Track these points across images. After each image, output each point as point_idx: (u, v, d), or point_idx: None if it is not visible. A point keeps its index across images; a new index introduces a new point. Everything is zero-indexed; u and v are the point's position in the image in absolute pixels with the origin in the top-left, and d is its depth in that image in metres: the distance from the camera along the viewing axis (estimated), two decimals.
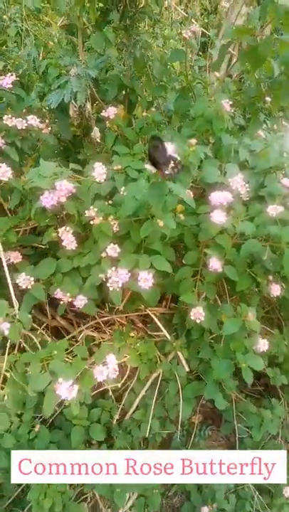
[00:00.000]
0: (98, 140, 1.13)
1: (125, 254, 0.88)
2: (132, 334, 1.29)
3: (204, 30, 1.95)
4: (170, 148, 0.78)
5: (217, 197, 0.85)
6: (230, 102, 1.02)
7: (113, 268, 0.84)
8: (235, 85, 1.41)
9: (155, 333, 1.37)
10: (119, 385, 1.37)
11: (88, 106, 1.04)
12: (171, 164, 0.76)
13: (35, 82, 1.12)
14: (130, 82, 1.25)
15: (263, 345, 0.89)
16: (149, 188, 0.70)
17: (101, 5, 1.10)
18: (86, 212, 0.86)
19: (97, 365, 0.84)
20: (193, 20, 1.12)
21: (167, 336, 1.30)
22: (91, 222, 0.85)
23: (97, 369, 0.83)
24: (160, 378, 1.35)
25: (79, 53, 1.13)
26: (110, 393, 1.37)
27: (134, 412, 1.36)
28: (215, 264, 0.86)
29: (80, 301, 0.89)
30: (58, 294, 0.90)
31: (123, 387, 1.41)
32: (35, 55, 1.07)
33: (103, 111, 1.15)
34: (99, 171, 0.87)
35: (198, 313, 0.88)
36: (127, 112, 1.35)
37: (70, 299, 0.90)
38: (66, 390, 0.70)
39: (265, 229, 0.88)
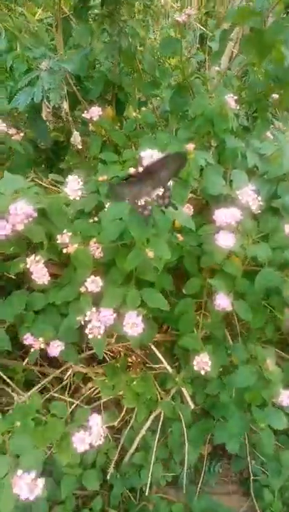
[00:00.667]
0: (79, 147, 0.95)
1: (110, 288, 0.71)
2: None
3: (202, 28, 1.78)
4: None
5: (223, 216, 0.68)
6: (235, 97, 0.84)
7: (93, 309, 0.66)
8: (238, 80, 1.24)
9: (154, 365, 1.20)
10: (115, 423, 1.21)
11: (65, 106, 0.87)
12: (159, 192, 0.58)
13: (4, 81, 0.96)
14: (117, 78, 1.08)
15: (287, 398, 0.70)
16: (130, 213, 0.52)
17: None
18: (58, 237, 0.68)
19: (76, 430, 0.66)
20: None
21: (168, 368, 1.12)
22: (64, 251, 0.67)
23: (76, 436, 0.65)
24: (162, 417, 1.18)
25: (57, 46, 0.96)
26: (106, 433, 1.21)
27: (134, 453, 1.20)
28: (223, 301, 0.68)
29: (55, 348, 0.71)
30: (28, 339, 0.72)
31: (122, 421, 1.25)
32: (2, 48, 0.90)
33: (85, 112, 0.98)
34: (72, 187, 0.69)
35: (202, 363, 0.70)
36: (116, 112, 1.18)
37: (42, 346, 0.72)
38: (27, 486, 0.51)
39: (283, 253, 0.70)
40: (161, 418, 1.17)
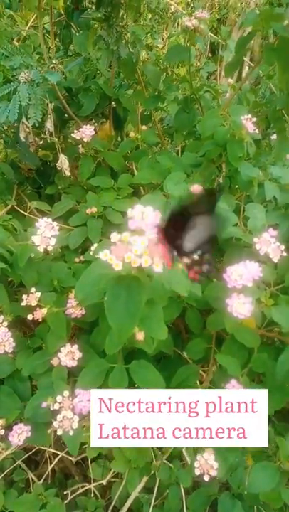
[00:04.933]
0: (67, 173, 0.81)
1: (90, 360, 0.55)
2: None
3: (212, 36, 1.65)
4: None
5: (237, 275, 0.52)
6: (253, 119, 0.69)
7: (65, 392, 0.51)
8: (254, 94, 1.09)
9: None
10: (104, 481, 1.06)
11: (49, 125, 0.72)
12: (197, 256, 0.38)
13: None
14: (115, 92, 0.93)
15: None
16: (110, 288, 0.36)
17: None
18: (23, 297, 0.53)
19: None
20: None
21: None
22: (29, 317, 0.52)
23: None
24: (158, 481, 1.02)
25: (43, 53, 0.82)
26: (92, 491, 1.06)
27: None
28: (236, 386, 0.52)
29: (18, 435, 0.56)
30: None
31: (112, 475, 1.09)
32: None
33: (75, 131, 0.84)
34: (43, 233, 0.54)
35: (206, 465, 0.54)
36: (114, 128, 1.04)
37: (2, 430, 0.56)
38: None
39: None
40: (157, 482, 1.01)
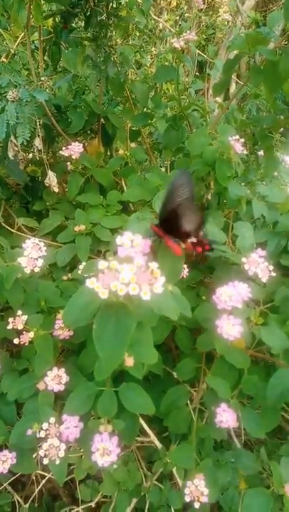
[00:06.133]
0: (55, 189, 0.80)
1: (77, 384, 0.54)
2: None
3: (200, 53, 1.68)
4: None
5: (226, 297, 0.52)
6: (242, 140, 0.70)
7: (51, 419, 0.49)
8: (241, 112, 1.11)
9: (139, 438, 1.01)
10: (93, 504, 1.02)
11: (37, 143, 0.72)
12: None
13: None
14: (103, 110, 0.94)
15: None
16: (98, 317, 0.36)
17: (59, 7, 0.80)
18: (9, 320, 0.52)
19: None
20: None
21: (157, 444, 0.93)
22: (15, 341, 0.51)
23: None
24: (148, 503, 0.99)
25: (31, 72, 0.82)
26: None
27: None
28: (227, 417, 0.52)
29: (2, 463, 0.54)
30: None
31: (101, 496, 1.06)
32: None
33: (63, 148, 0.83)
34: (31, 254, 0.53)
35: (196, 492, 0.53)
36: (103, 143, 1.04)
37: None
38: None
39: None
40: (147, 505, 0.98)
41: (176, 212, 0.49)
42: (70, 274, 0.78)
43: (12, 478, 1.00)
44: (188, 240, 0.51)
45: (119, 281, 0.31)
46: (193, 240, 0.51)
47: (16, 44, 1.10)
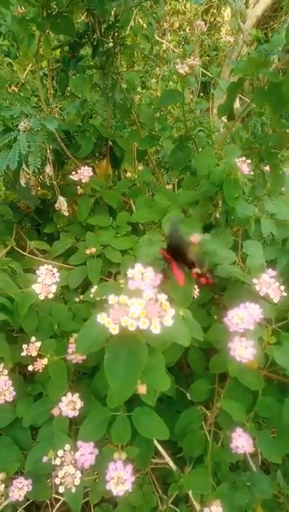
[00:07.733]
0: (65, 213, 0.82)
1: (92, 410, 0.54)
2: None
3: (204, 71, 1.71)
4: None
5: (238, 319, 0.52)
6: (248, 161, 0.71)
7: (67, 446, 0.49)
8: (246, 129, 1.12)
9: (154, 460, 1.00)
10: None
11: (48, 170, 0.74)
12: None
13: None
14: (111, 133, 0.96)
15: None
16: (110, 348, 0.36)
17: (67, 37, 0.83)
18: (23, 347, 0.53)
19: None
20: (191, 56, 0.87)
21: (172, 466, 0.92)
22: (29, 368, 0.51)
23: None
24: None
25: (41, 101, 0.85)
26: None
27: None
28: (242, 442, 0.51)
29: (18, 490, 0.54)
30: None
31: None
32: None
33: (73, 173, 0.86)
34: (45, 281, 0.54)
35: None
36: (112, 165, 1.06)
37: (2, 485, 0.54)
38: None
39: None
40: None
41: (181, 240, 0.53)
42: (81, 296, 0.79)
43: (27, 503, 0.99)
44: (194, 270, 0.54)
45: (129, 316, 0.32)
46: (198, 270, 0.54)
47: (26, 73, 1.14)
